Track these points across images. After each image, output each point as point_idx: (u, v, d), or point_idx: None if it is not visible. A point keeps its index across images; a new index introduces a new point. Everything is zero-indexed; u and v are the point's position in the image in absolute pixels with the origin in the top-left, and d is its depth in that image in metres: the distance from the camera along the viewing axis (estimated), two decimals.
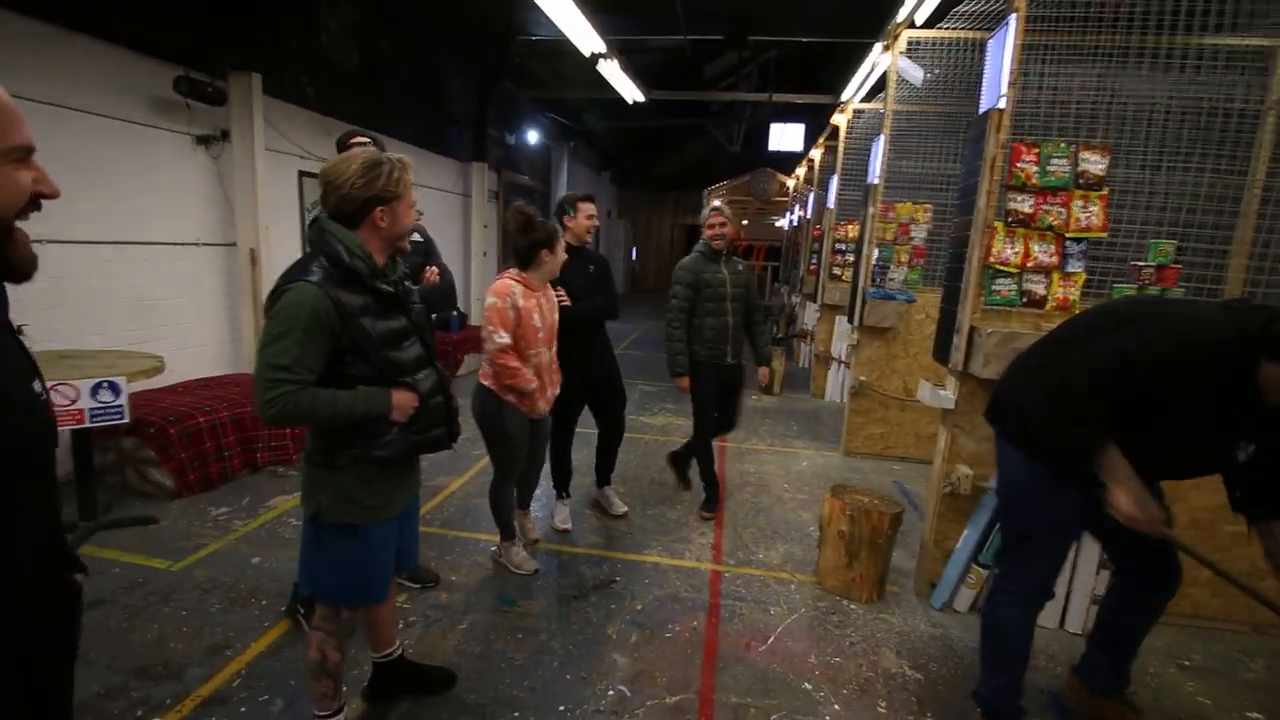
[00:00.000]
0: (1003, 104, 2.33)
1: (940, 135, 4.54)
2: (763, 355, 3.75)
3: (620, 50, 6.62)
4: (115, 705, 2.05)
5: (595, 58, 5.99)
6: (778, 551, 3.34)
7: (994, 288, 2.59)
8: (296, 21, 5.29)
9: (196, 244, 4.49)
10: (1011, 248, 2.52)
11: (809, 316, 8.14)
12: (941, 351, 2.81)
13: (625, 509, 3.71)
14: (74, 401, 2.83)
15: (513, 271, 2.73)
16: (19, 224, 0.80)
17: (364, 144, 2.26)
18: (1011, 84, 2.30)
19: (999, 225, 2.53)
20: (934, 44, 3.98)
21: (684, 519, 3.68)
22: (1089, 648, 2.18)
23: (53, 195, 0.83)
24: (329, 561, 1.68)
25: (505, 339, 2.61)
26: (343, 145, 2.34)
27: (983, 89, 2.52)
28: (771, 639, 2.59)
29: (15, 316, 3.21)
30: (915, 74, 4.16)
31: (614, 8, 6.42)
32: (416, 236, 2.59)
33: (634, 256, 19.36)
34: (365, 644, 2.15)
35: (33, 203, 0.81)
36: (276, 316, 1.49)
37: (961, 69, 3.99)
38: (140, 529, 3.24)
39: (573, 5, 4.81)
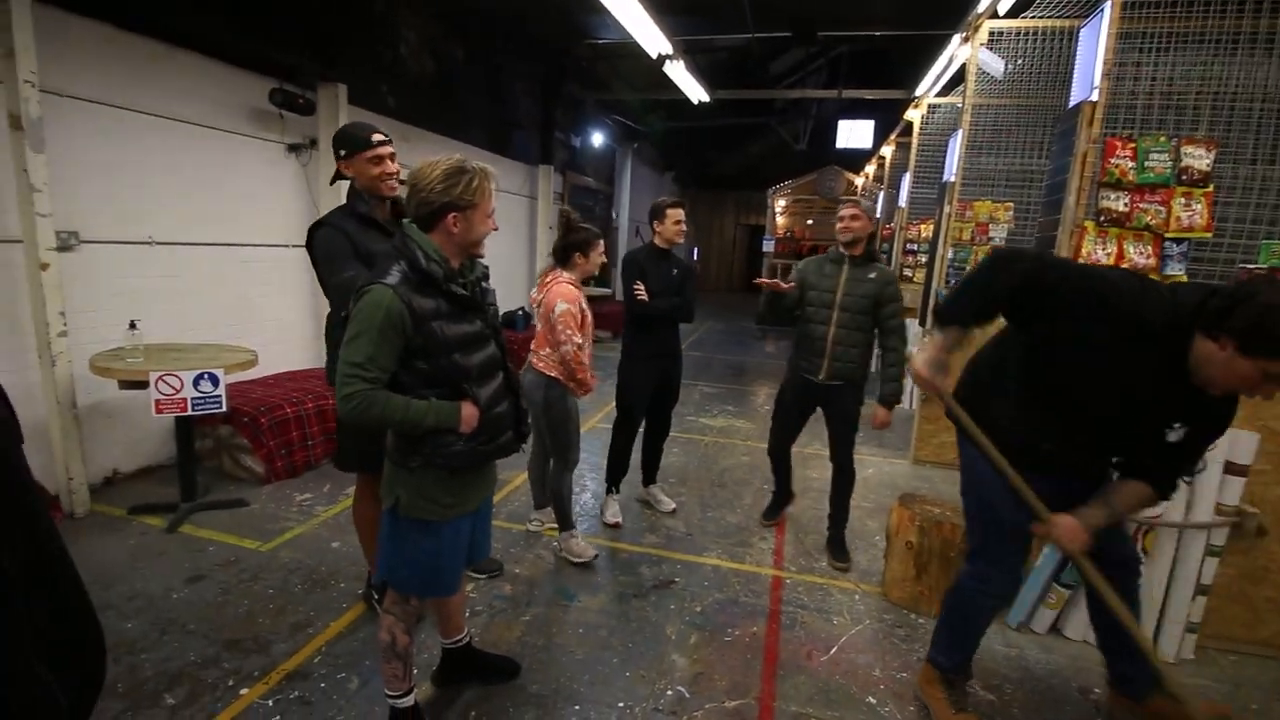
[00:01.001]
0: (1096, 96, 2.20)
1: (1023, 130, 4.32)
2: (888, 390, 2.97)
3: (685, 50, 6.61)
4: (209, 674, 2.22)
5: (662, 59, 6.00)
6: None
7: None
8: (378, 34, 5.55)
9: (286, 246, 4.78)
10: (1103, 249, 2.37)
11: None
12: None
13: (674, 505, 3.74)
14: (178, 391, 3.07)
15: (565, 275, 2.90)
16: None
17: (384, 140, 2.23)
18: (1105, 75, 2.17)
19: (1089, 225, 2.38)
20: (1018, 34, 3.79)
21: (744, 523, 3.65)
22: (1105, 657, 2.19)
23: None
24: (404, 553, 1.76)
25: (580, 339, 2.83)
26: (363, 141, 2.18)
27: (1073, 80, 2.38)
28: (834, 649, 2.54)
29: (132, 312, 3.46)
30: (996, 66, 3.97)
31: (680, 8, 6.42)
32: None
33: (695, 256, 19.30)
34: (436, 630, 2.25)
35: None
36: (355, 317, 1.57)
37: (1047, 60, 3.78)
38: (233, 511, 3.49)
39: (640, 8, 4.84)
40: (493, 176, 1.70)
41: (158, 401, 3.05)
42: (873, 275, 2.96)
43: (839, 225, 2.97)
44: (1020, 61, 4.02)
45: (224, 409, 3.25)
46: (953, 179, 4.34)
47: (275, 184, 4.64)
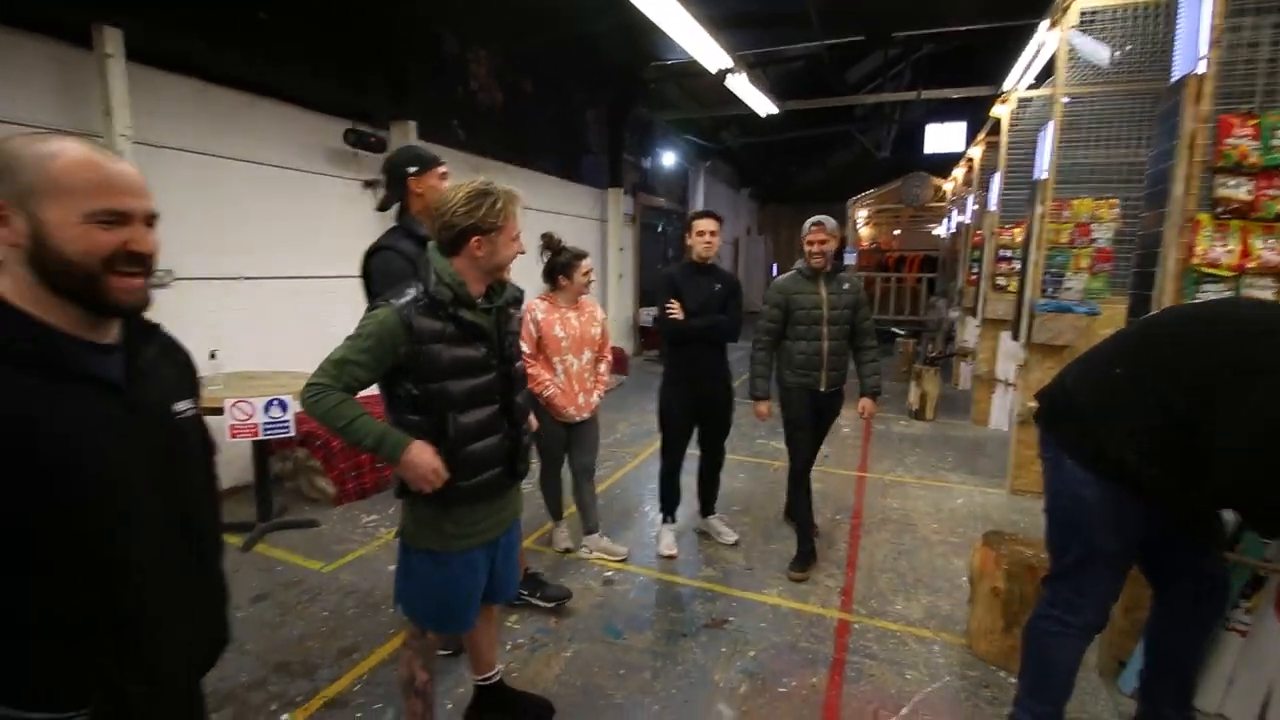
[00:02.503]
0: (1202, 68, 1.87)
1: (1127, 118, 3.84)
2: (868, 385, 3.27)
3: (752, 64, 6.48)
4: (256, 696, 2.26)
5: (723, 74, 5.90)
6: (920, 604, 2.93)
7: (1199, 296, 2.07)
8: (448, 71, 5.80)
9: (361, 276, 5.02)
10: (1223, 245, 2.00)
11: (969, 333, 7.31)
12: None
13: (735, 537, 3.51)
14: (250, 416, 3.24)
15: (541, 292, 3.06)
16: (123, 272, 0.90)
17: (445, 174, 2.25)
18: (1214, 42, 1.83)
19: (1204, 218, 2.02)
20: (1114, 14, 3.38)
21: None
22: (1146, 694, 1.99)
23: (146, 253, 0.92)
24: (414, 584, 1.71)
25: (527, 348, 2.90)
26: (433, 159, 2.24)
27: (1175, 53, 2.05)
28: (905, 709, 2.25)
29: (219, 342, 3.65)
30: (1099, 51, 3.56)
31: (744, 23, 6.30)
32: None
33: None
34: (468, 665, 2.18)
35: (129, 258, 0.90)
36: (357, 328, 1.58)
37: (1149, 39, 3.34)
38: (304, 531, 3.63)
39: (697, 25, 4.77)
40: (518, 200, 1.65)
41: (232, 426, 3.22)
42: (847, 286, 3.20)
43: (812, 250, 3.11)
44: (1129, 46, 3.59)
45: (293, 433, 3.40)
46: (1045, 176, 3.92)
47: (351, 218, 4.89)
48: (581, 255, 3.01)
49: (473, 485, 1.65)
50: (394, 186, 2.24)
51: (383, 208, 2.34)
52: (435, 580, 1.68)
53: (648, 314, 9.24)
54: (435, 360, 1.57)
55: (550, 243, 2.95)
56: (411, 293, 1.60)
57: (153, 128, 3.49)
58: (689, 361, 3.23)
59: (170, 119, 3.61)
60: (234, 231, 4.02)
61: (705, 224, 3.16)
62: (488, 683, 2.11)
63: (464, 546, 1.69)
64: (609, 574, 3.15)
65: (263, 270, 4.23)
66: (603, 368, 3.16)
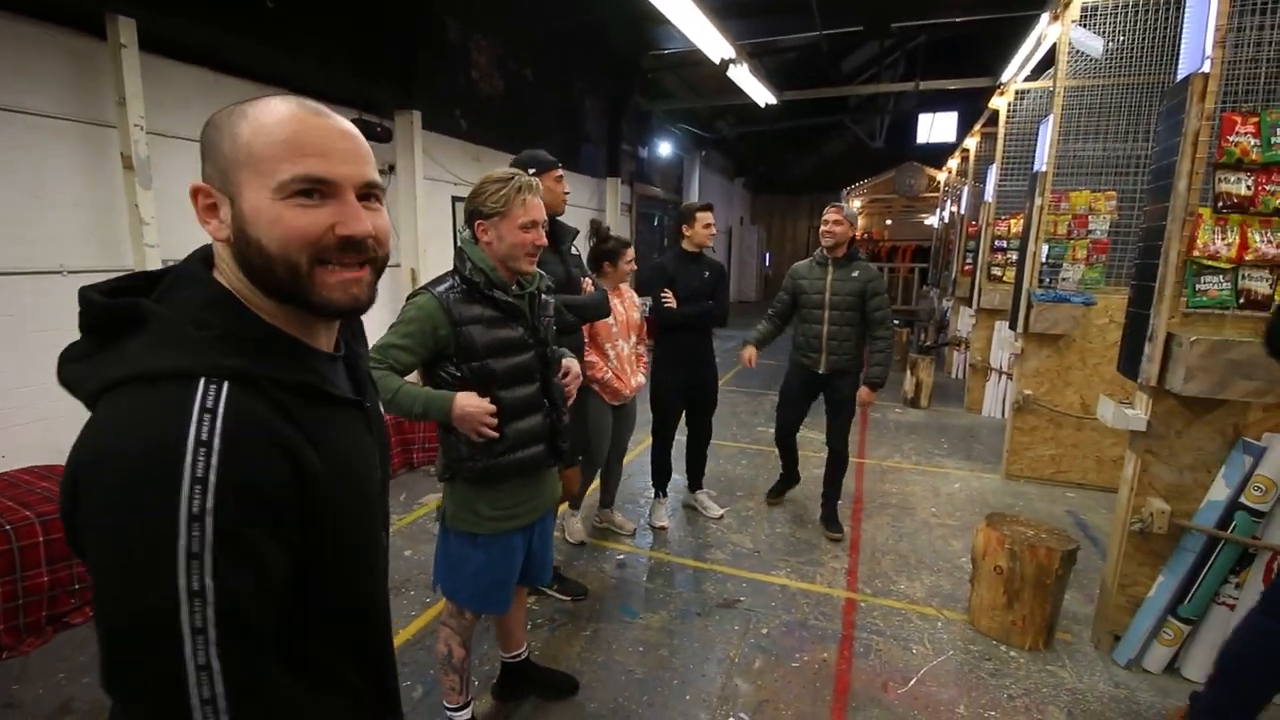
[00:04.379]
0: (1207, 67, 1.94)
1: (1125, 112, 3.93)
2: (872, 374, 3.27)
3: (751, 54, 6.51)
4: None
5: (725, 64, 5.93)
6: (922, 583, 3.04)
7: (1199, 287, 2.16)
8: (450, 60, 5.78)
9: None
10: (1223, 238, 2.09)
11: (963, 322, 7.43)
12: (1129, 363, 2.40)
13: (721, 512, 3.72)
14: None
15: (586, 279, 3.00)
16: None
17: (560, 177, 2.45)
18: (1219, 42, 1.91)
19: (1205, 212, 2.11)
20: (1114, 8, 3.46)
21: (814, 540, 3.48)
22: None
23: (360, 236, 0.71)
24: (454, 565, 1.77)
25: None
26: (551, 161, 2.43)
27: (1181, 51, 2.13)
28: (913, 681, 2.35)
29: None
30: (1094, 44, 3.64)
31: (744, 12, 6.33)
32: (574, 250, 2.72)
33: (767, 262, 18.93)
34: (497, 643, 2.25)
35: (342, 244, 0.70)
36: (400, 314, 1.66)
37: (1150, 33, 3.42)
38: None
39: (701, 15, 4.80)
40: (530, 189, 1.64)
41: None
42: (856, 274, 3.25)
43: (823, 229, 3.27)
44: (1123, 38, 3.67)
45: None
46: (1044, 168, 4.01)
47: None
48: (627, 244, 3.05)
49: (516, 460, 1.71)
50: None
51: None
52: (475, 562, 1.75)
53: (644, 303, 9.29)
54: (475, 341, 1.62)
55: (597, 230, 3.01)
56: (449, 281, 1.66)
57: (165, 118, 3.48)
58: (679, 346, 3.38)
59: (183, 109, 3.61)
60: None
61: (710, 215, 3.33)
62: (516, 660, 2.18)
63: (502, 530, 1.75)
64: (620, 557, 3.24)
65: None
66: (641, 348, 3.26)
